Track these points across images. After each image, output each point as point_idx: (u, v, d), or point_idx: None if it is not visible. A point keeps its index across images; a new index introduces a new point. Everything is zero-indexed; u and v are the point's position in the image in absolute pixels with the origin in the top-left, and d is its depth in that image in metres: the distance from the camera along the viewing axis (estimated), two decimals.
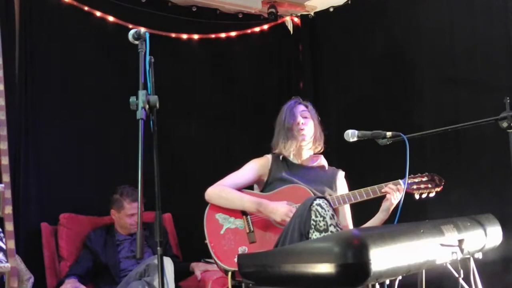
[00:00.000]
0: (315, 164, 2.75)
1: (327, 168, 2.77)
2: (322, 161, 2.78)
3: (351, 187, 2.66)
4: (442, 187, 2.51)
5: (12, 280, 1.90)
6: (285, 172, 2.66)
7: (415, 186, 2.49)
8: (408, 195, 2.44)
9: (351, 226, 2.71)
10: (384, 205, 2.50)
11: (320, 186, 2.64)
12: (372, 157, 3.65)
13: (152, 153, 1.80)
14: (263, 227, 2.50)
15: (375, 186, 2.51)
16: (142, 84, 1.82)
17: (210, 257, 2.49)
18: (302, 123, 2.68)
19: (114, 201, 3.35)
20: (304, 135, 2.68)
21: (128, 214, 3.30)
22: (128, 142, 3.65)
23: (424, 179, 2.53)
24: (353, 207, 2.70)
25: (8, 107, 2.05)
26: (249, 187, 2.73)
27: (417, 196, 2.50)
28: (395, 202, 2.46)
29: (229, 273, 2.36)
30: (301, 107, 2.75)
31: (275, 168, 2.69)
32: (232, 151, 4.23)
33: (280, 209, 2.45)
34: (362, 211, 2.69)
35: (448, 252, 1.93)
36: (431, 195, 2.51)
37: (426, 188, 2.50)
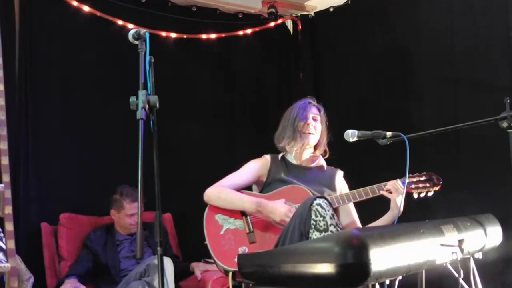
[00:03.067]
0: (313, 164, 2.76)
1: (325, 168, 2.77)
2: (321, 161, 2.78)
3: (351, 187, 2.66)
4: (440, 186, 2.52)
5: (12, 280, 1.90)
6: (284, 172, 2.67)
7: (413, 186, 2.50)
8: (407, 195, 2.44)
9: (358, 222, 2.71)
10: (391, 203, 2.50)
11: (319, 186, 2.64)
12: (372, 157, 3.65)
13: (152, 153, 1.80)
14: (263, 227, 2.50)
15: (374, 186, 2.52)
16: (142, 84, 1.82)
17: (210, 257, 2.49)
18: (312, 127, 2.68)
19: (114, 201, 3.35)
20: (310, 139, 2.69)
21: (128, 214, 3.30)
22: (128, 142, 3.64)
23: (422, 178, 2.54)
24: (357, 207, 2.70)
25: (8, 107, 2.05)
26: (248, 187, 2.72)
27: (415, 196, 2.52)
28: (398, 200, 2.46)
29: (230, 274, 2.35)
30: (314, 110, 2.74)
31: (274, 169, 2.69)
32: (232, 151, 4.23)
33: (280, 209, 2.45)
34: (365, 210, 2.69)
35: (448, 252, 1.93)
36: (430, 194, 2.52)
37: (424, 187, 2.51)
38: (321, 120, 2.75)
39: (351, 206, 2.70)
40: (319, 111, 2.76)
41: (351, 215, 2.69)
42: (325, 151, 2.77)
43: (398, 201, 2.46)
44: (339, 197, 2.55)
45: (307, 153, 2.75)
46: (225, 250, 2.44)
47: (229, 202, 2.55)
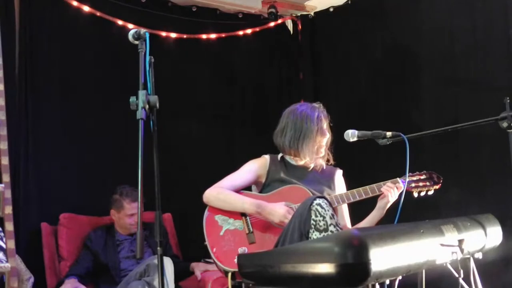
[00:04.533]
0: (312, 164, 2.75)
1: (324, 168, 2.77)
2: (320, 160, 2.78)
3: (351, 187, 2.65)
4: (440, 184, 2.53)
5: (12, 280, 1.91)
6: (283, 173, 2.66)
7: (413, 185, 2.51)
8: (407, 194, 2.44)
9: (349, 225, 2.71)
10: (381, 202, 2.52)
11: (319, 186, 2.64)
12: (371, 157, 3.66)
13: (152, 153, 1.80)
14: (262, 227, 2.50)
15: (374, 185, 2.52)
16: (142, 84, 1.82)
17: (210, 257, 2.49)
18: (324, 141, 2.67)
19: (114, 201, 3.35)
20: (322, 152, 2.69)
21: (128, 214, 3.29)
22: (128, 142, 3.63)
23: (423, 177, 2.55)
24: (350, 206, 2.70)
25: (8, 107, 2.05)
26: (247, 188, 2.72)
27: (415, 195, 2.52)
28: (391, 200, 2.49)
29: (229, 274, 2.35)
30: (326, 122, 2.70)
31: (273, 169, 2.68)
32: (232, 151, 4.23)
33: (279, 211, 2.45)
34: (359, 210, 2.69)
35: (448, 252, 1.93)
36: (430, 193, 2.53)
37: (424, 186, 2.52)
38: (328, 128, 2.74)
39: (345, 208, 2.71)
40: (327, 120, 2.73)
41: (343, 218, 2.70)
42: (327, 159, 2.76)
43: (390, 200, 2.47)
44: (339, 196, 2.55)
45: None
46: (225, 250, 2.43)
47: (228, 204, 2.55)
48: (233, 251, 2.40)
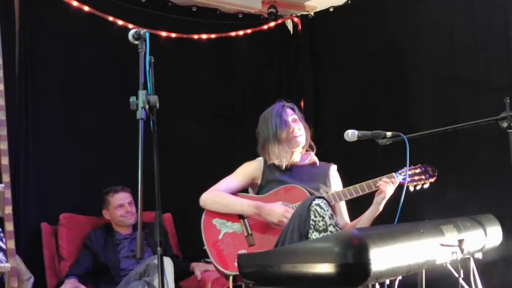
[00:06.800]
0: (306, 162, 2.74)
1: (318, 164, 2.76)
2: (313, 157, 2.77)
3: (349, 185, 2.65)
4: (435, 177, 2.53)
5: (12, 280, 1.91)
6: (278, 173, 2.65)
7: (409, 179, 2.51)
8: (402, 188, 2.43)
9: (348, 220, 2.72)
10: (378, 198, 2.51)
11: (314, 183, 2.64)
12: (371, 157, 3.65)
13: (152, 153, 1.80)
14: (261, 229, 2.50)
15: (370, 181, 2.52)
16: (142, 84, 1.82)
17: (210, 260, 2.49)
18: (297, 129, 2.65)
19: (102, 202, 3.40)
20: (299, 142, 2.66)
21: (116, 206, 3.33)
22: (128, 142, 3.63)
23: (417, 170, 2.56)
24: (348, 202, 2.70)
25: (8, 107, 2.05)
26: (243, 190, 2.72)
27: (411, 189, 2.53)
28: (388, 195, 2.48)
29: (231, 278, 2.35)
30: (289, 111, 2.70)
31: (268, 170, 2.68)
32: (232, 151, 4.23)
33: (276, 210, 2.45)
34: (357, 206, 2.70)
35: (448, 252, 1.93)
36: (425, 186, 2.54)
37: (420, 179, 2.53)
38: (299, 118, 2.72)
39: (343, 205, 2.71)
40: (294, 110, 2.73)
41: (341, 215, 2.70)
42: (311, 146, 2.76)
43: (387, 195, 2.47)
44: (336, 194, 2.55)
45: (298, 154, 2.73)
46: (224, 254, 2.44)
47: (225, 206, 2.55)
48: (233, 255, 2.39)
